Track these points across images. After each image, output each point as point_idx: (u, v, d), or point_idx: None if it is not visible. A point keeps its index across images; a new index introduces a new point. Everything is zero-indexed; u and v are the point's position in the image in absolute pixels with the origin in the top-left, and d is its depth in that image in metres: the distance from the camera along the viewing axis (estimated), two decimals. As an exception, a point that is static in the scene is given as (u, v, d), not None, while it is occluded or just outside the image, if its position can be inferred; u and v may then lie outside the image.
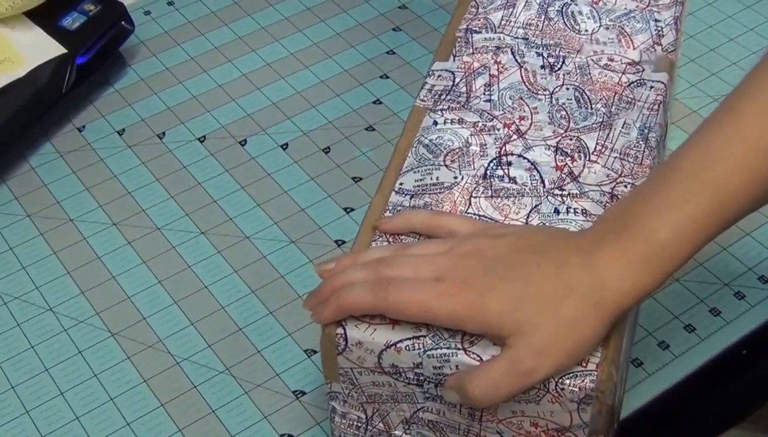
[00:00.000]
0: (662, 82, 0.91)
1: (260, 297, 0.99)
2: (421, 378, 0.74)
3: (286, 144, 1.13)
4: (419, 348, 0.73)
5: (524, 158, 0.85)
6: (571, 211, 0.81)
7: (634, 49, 0.94)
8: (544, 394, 0.72)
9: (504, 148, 0.85)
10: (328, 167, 1.10)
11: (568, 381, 0.71)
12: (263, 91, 1.19)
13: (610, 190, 0.82)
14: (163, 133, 1.15)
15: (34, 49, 1.12)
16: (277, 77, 1.21)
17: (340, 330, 0.74)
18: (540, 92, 0.90)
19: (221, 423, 0.90)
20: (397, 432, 0.80)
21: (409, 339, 0.73)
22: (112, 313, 0.98)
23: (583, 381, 0.71)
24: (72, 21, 1.16)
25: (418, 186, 0.83)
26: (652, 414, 0.89)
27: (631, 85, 0.91)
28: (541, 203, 0.82)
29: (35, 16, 1.15)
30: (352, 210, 1.06)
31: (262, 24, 1.28)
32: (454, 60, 0.93)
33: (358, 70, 1.22)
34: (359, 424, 0.80)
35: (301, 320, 0.97)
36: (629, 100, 0.89)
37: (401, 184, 0.83)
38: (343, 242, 1.03)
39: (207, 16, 1.30)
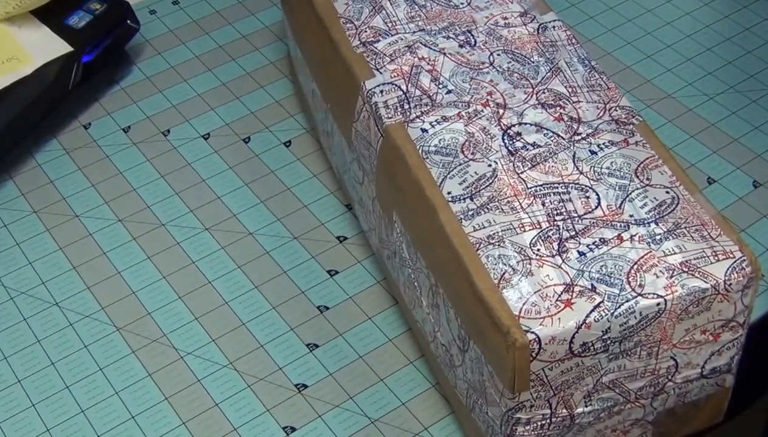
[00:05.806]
0: (558, 20, 0.95)
1: (263, 293, 1.00)
2: (608, 342, 0.75)
3: (289, 141, 1.14)
4: (605, 315, 0.73)
5: (525, 124, 0.86)
6: (602, 146, 0.84)
7: (512, 2, 0.97)
8: (715, 298, 0.76)
9: (501, 124, 0.86)
10: (330, 164, 1.11)
11: (734, 276, 0.75)
12: (266, 90, 1.20)
13: (611, 117, 0.86)
14: (168, 130, 1.16)
15: (41, 47, 1.13)
16: (280, 76, 1.22)
17: (531, 336, 0.73)
18: (481, 66, 0.91)
19: (224, 416, 0.91)
20: (578, 410, 0.79)
21: (592, 310, 0.73)
22: (118, 308, 0.99)
23: (741, 269, 0.76)
24: (78, 20, 1.16)
25: (467, 187, 0.82)
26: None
27: (538, 32, 0.94)
28: (575, 151, 0.84)
29: (42, 14, 1.16)
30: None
31: (265, 23, 1.29)
32: (381, 73, 0.91)
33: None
34: (543, 422, 0.79)
35: (304, 315, 0.98)
36: (549, 43, 0.93)
37: (449, 193, 0.82)
38: (345, 238, 1.04)
39: (211, 15, 1.30)
